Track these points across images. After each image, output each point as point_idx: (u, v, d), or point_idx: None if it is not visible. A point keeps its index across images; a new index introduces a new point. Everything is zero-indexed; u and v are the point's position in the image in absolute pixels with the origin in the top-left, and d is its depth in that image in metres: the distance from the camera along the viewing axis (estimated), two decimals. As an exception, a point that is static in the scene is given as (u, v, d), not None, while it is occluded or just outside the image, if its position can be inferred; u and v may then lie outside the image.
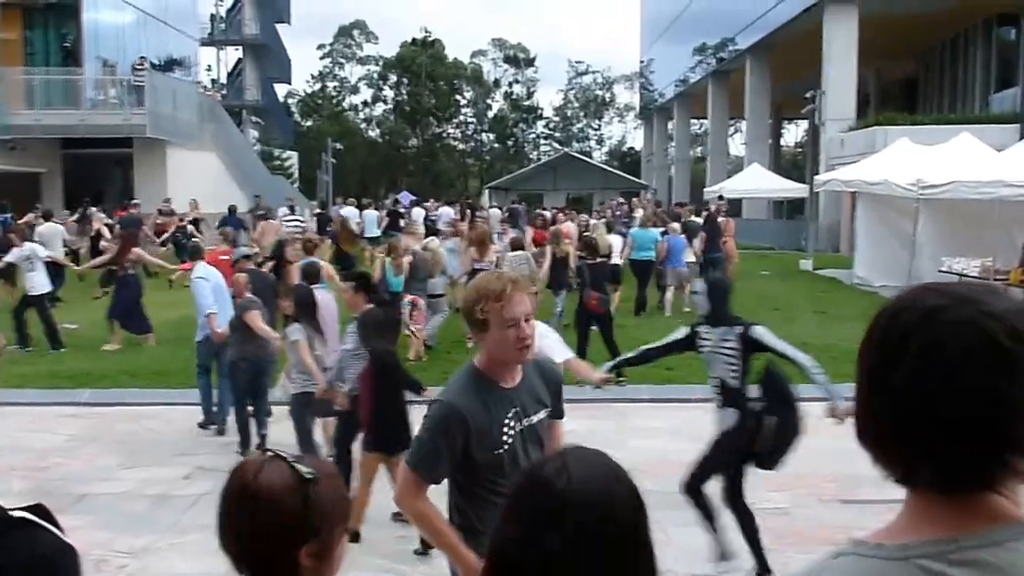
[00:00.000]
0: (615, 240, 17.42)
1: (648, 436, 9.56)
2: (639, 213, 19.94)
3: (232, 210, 25.26)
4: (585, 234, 16.01)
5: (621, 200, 31.64)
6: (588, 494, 1.58)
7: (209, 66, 56.45)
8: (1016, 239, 17.01)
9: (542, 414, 3.49)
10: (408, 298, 13.04)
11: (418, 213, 28.25)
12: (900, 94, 44.10)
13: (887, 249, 19.90)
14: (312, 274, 9.28)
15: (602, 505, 1.59)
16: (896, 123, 29.04)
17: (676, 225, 18.91)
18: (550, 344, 6.20)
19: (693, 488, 6.32)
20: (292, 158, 61.93)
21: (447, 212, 27.88)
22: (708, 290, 6.40)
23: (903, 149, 20.48)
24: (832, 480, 7.90)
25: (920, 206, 17.53)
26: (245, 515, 1.78)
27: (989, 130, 23.71)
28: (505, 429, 3.32)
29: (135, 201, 26.50)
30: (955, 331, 1.28)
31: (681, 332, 6.38)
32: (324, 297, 8.93)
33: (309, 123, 77.32)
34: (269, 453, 1.86)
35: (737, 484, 6.19)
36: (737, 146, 63.81)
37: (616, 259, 16.92)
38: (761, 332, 6.03)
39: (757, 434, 5.94)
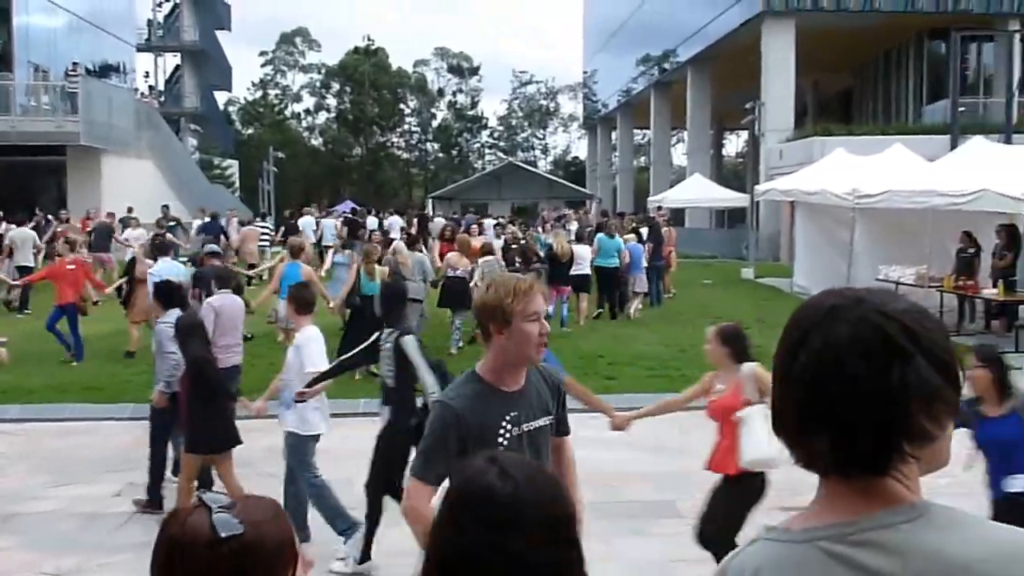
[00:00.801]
0: (584, 250, 17.70)
1: (586, 446, 9.54)
2: (573, 226, 20.07)
3: (215, 216, 24.92)
4: (522, 241, 16.16)
5: (555, 210, 31.89)
6: (538, 494, 1.63)
7: (147, 72, 55.63)
8: (949, 247, 17.36)
9: (543, 421, 3.52)
10: None
11: (373, 222, 28.44)
12: (837, 106, 44.91)
13: (825, 258, 20.19)
14: (224, 279, 9.60)
15: (551, 503, 1.64)
16: (833, 134, 29.57)
17: (632, 235, 19.47)
18: (310, 352, 6.52)
19: (372, 488, 6.51)
20: (232, 167, 61.21)
21: (396, 221, 28.09)
22: (381, 295, 6.83)
23: (839, 159, 20.83)
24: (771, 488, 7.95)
25: (856, 215, 17.80)
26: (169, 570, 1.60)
27: (921, 141, 24.25)
28: (502, 431, 3.34)
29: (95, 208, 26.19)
30: (851, 328, 1.39)
31: (373, 336, 6.66)
32: (225, 301, 8.98)
33: (250, 131, 76.55)
34: (198, 499, 1.65)
35: (381, 478, 6.42)
36: (680, 156, 64.41)
37: (585, 268, 17.34)
38: (405, 342, 6.26)
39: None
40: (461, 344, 14.36)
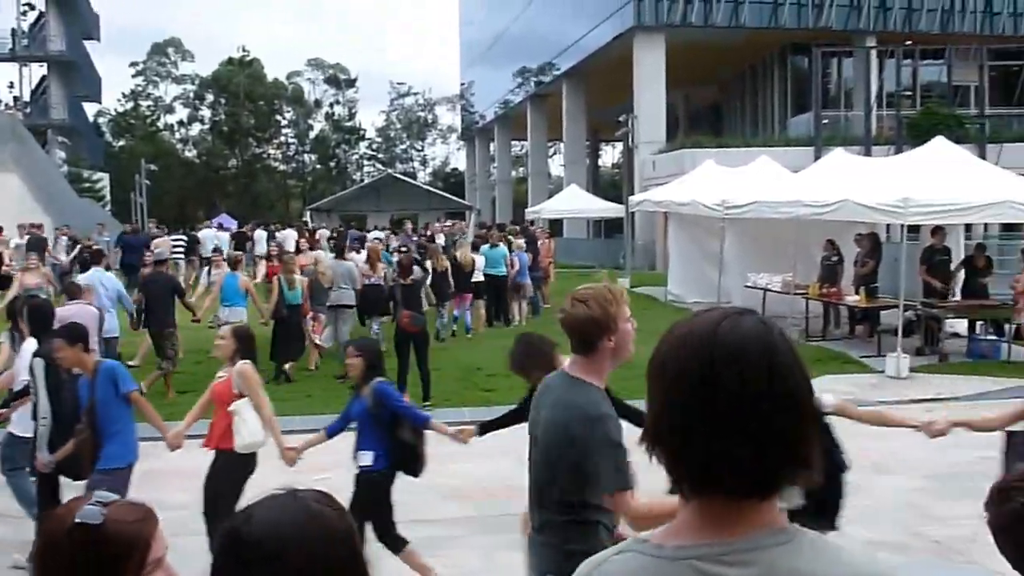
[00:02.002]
0: (479, 258, 18.27)
1: (469, 459, 9.66)
2: (440, 239, 20.49)
3: (136, 230, 25.83)
4: (403, 253, 16.35)
5: (441, 221, 31.98)
6: (267, 536, 1.56)
7: (11, 83, 53.58)
8: (814, 255, 18.08)
9: None
10: (309, 314, 14.09)
11: (261, 235, 28.58)
12: (707, 118, 46.26)
13: (697, 267, 20.83)
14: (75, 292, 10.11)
15: (285, 545, 1.56)
16: (703, 146, 30.50)
17: (521, 242, 20.34)
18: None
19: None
20: (103, 180, 59.26)
21: (291, 234, 27.92)
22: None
23: (709, 171, 21.51)
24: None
25: (726, 225, 18.41)
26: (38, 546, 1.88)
27: (787, 153, 25.24)
28: None
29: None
30: (722, 345, 1.42)
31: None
32: (72, 310, 9.43)
33: (121, 143, 74.30)
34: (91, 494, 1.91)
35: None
36: (557, 167, 65.28)
37: (479, 276, 18.02)
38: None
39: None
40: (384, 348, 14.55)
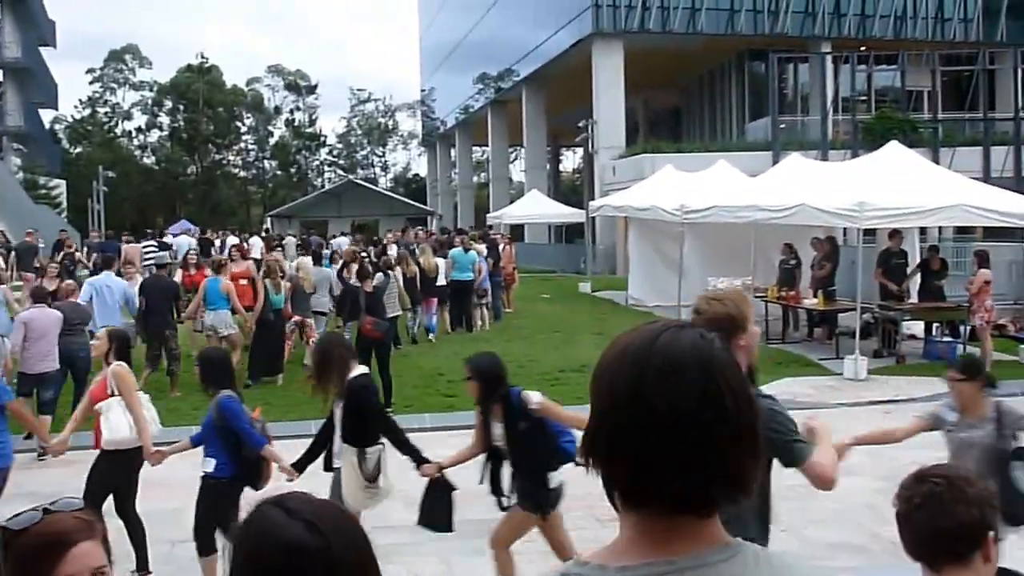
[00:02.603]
0: (441, 262, 18.35)
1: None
2: (392, 250, 20.47)
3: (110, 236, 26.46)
4: (365, 260, 16.33)
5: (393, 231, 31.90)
6: (349, 545, 1.57)
7: (-35, 90, 52.71)
8: (772, 259, 18.27)
9: None
10: (295, 318, 14.43)
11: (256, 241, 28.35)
12: (666, 123, 46.58)
13: (657, 271, 20.96)
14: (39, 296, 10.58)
15: (364, 552, 1.59)
16: (662, 151, 30.68)
17: (482, 248, 20.45)
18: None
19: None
20: (60, 187, 58.56)
21: (256, 242, 27.79)
22: None
23: (668, 176, 21.65)
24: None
25: (685, 230, 18.53)
26: None
27: (745, 157, 25.48)
28: None
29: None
30: (660, 356, 1.39)
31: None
32: (35, 314, 10.16)
33: (79, 150, 73.45)
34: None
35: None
36: (518, 172, 65.41)
37: (441, 280, 18.08)
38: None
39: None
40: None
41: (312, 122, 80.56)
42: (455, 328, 18.82)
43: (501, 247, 22.05)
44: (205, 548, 6.18)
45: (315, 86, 79.78)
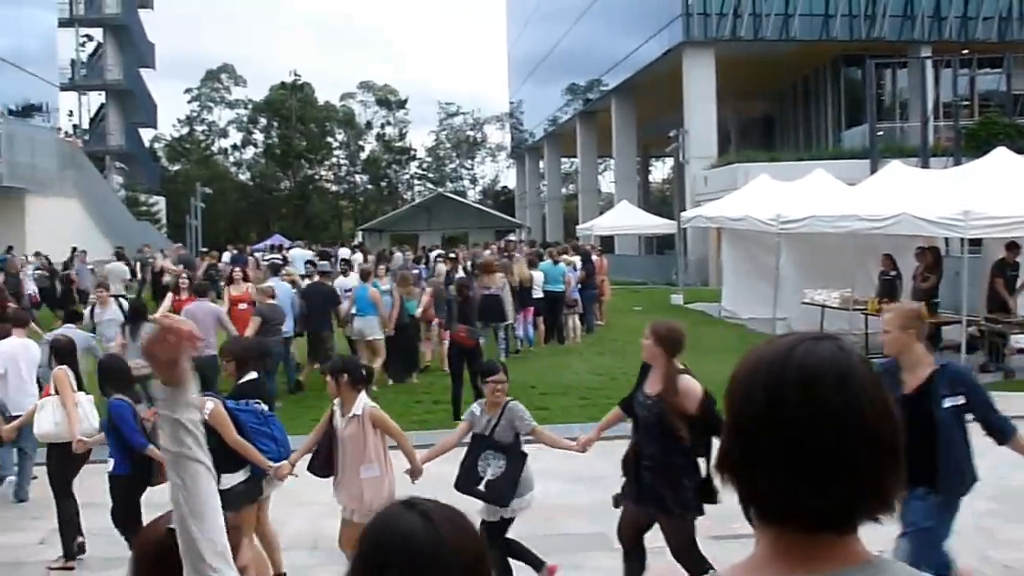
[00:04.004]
0: (537, 274, 18.40)
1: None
2: (441, 267, 20.53)
3: (241, 249, 29.33)
4: (459, 277, 16.51)
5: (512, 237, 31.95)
6: (461, 540, 1.65)
7: (71, 111, 54.69)
8: (871, 270, 17.75)
9: None
10: (436, 320, 15.72)
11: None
12: (758, 132, 45.83)
13: (752, 282, 20.53)
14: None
15: (473, 548, 1.66)
16: (755, 160, 30.17)
17: (575, 259, 20.50)
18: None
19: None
20: (159, 203, 60.47)
21: (345, 253, 28.39)
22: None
23: (763, 185, 21.24)
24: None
25: (781, 240, 18.13)
26: None
27: (842, 165, 24.88)
28: None
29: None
30: (798, 369, 1.36)
31: None
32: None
33: (177, 167, 75.60)
34: None
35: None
36: (607, 183, 65.11)
37: (537, 292, 18.19)
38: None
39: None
40: (508, 354, 15.94)
41: (402, 136, 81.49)
42: (547, 340, 18.76)
43: (593, 258, 21.87)
44: (129, 534, 6.57)
45: (405, 101, 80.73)
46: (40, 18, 42.47)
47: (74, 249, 26.68)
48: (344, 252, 28.95)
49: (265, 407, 6.63)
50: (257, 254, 29.34)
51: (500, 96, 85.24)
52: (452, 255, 20.85)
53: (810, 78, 40.05)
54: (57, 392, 7.67)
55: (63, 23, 48.46)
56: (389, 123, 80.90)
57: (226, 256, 27.58)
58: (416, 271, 20.02)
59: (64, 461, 7.52)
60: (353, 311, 14.47)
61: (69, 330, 11.02)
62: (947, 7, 35.63)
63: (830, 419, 1.33)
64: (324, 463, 6.45)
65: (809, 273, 18.44)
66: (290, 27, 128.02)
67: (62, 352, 8.02)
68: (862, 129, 32.02)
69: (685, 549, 5.79)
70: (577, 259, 20.68)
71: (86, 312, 13.01)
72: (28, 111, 39.02)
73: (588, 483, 8.84)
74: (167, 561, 2.02)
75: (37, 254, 26.03)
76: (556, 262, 19.05)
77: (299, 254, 27.71)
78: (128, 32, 56.36)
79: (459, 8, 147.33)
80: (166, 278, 21.82)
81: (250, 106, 77.48)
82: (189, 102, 78.14)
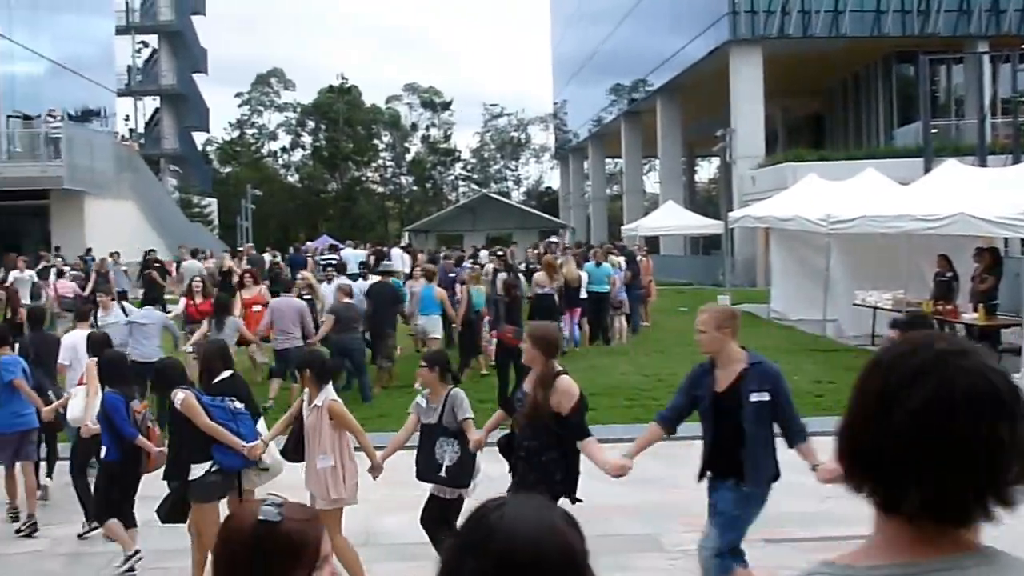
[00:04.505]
0: (583, 275, 18.28)
1: (587, 481, 9.45)
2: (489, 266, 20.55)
3: (297, 249, 30.48)
4: (504, 276, 16.47)
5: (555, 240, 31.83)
6: (515, 534, 1.57)
7: (127, 116, 56.00)
8: (925, 271, 17.39)
9: None
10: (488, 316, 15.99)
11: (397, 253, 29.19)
12: (807, 130, 45.27)
13: (802, 283, 20.22)
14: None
15: (528, 549, 1.57)
16: (804, 159, 29.77)
17: (620, 259, 20.36)
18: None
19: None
20: (211, 205, 61.38)
21: (397, 253, 28.50)
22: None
23: (812, 185, 20.92)
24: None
25: (831, 241, 17.82)
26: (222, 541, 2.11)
27: (893, 164, 24.43)
28: None
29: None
30: (965, 377, 1.40)
31: None
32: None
33: (228, 170, 76.56)
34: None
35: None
36: (652, 184, 64.74)
37: (584, 293, 18.04)
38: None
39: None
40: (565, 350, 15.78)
41: (447, 138, 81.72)
42: (592, 341, 18.61)
43: (639, 259, 21.73)
44: (102, 517, 7.30)
45: (449, 102, 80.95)
46: (98, 26, 43.50)
47: (149, 250, 27.34)
48: (397, 252, 29.06)
49: (240, 405, 6.85)
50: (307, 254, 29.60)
51: (544, 97, 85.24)
52: (500, 253, 20.90)
53: (861, 75, 39.45)
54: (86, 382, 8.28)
55: (120, 30, 49.62)
56: (434, 125, 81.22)
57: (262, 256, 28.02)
58: (453, 275, 20.02)
59: (81, 444, 8.11)
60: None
61: (149, 311, 12.45)
62: (1005, 1, 34.87)
63: (937, 418, 1.38)
64: (294, 448, 6.80)
65: (860, 274, 18.15)
66: (337, 31, 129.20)
67: (96, 344, 8.46)
68: (915, 127, 31.45)
69: None
70: (622, 259, 20.54)
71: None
72: (87, 116, 39.93)
73: (639, 484, 8.68)
74: (261, 552, 1.98)
75: (114, 254, 26.65)
76: (599, 263, 18.87)
77: (352, 254, 28.02)
78: (182, 38, 57.33)
79: (503, 10, 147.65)
80: (234, 277, 22.35)
81: (298, 109, 78.22)
82: (239, 106, 79.13)
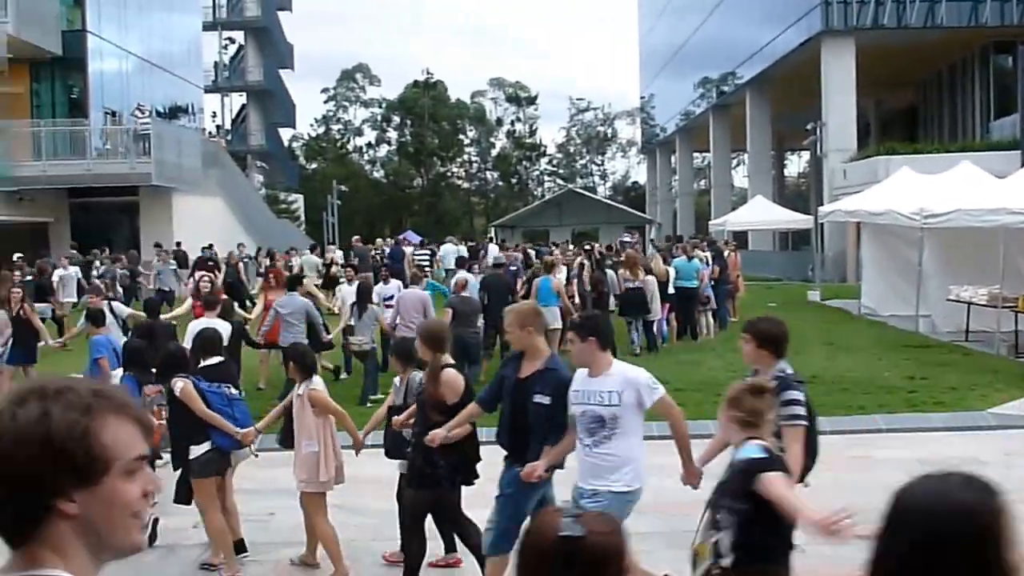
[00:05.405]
0: (672, 270, 18.34)
1: (651, 474, 9.47)
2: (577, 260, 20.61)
3: (398, 242, 32.28)
4: (595, 273, 16.65)
5: (627, 237, 31.69)
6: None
7: (214, 112, 56.93)
8: (1021, 266, 16.96)
9: None
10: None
11: (493, 248, 29.90)
12: (900, 123, 44.25)
13: (893, 279, 19.89)
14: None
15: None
16: (897, 152, 29.15)
17: (707, 254, 20.34)
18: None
19: None
20: (297, 201, 62.20)
21: (493, 249, 28.85)
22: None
23: (905, 178, 20.50)
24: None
25: (924, 235, 17.50)
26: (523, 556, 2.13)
27: (990, 157, 23.80)
28: None
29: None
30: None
31: None
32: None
33: (314, 166, 77.77)
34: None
35: None
36: (741, 178, 63.94)
37: (671, 288, 18.04)
38: None
39: None
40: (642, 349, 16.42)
41: (532, 133, 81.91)
42: (680, 337, 18.53)
43: (726, 254, 21.55)
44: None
45: (535, 97, 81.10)
46: (186, 23, 44.23)
47: (239, 245, 28.40)
48: (493, 248, 29.39)
49: (235, 391, 7.43)
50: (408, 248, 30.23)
51: (631, 91, 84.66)
52: (588, 247, 20.93)
53: (956, 67, 38.41)
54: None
55: (207, 27, 50.35)
56: (519, 120, 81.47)
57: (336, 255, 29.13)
58: (514, 267, 20.18)
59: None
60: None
61: (292, 298, 13.10)
62: (1109, -12, 33.63)
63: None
64: (285, 437, 7.35)
65: (954, 269, 17.79)
66: (423, 25, 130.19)
67: (143, 334, 9.51)
68: (1012, 119, 30.55)
69: (415, 519, 6.60)
70: (708, 254, 20.40)
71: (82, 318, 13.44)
72: (175, 113, 40.74)
73: (715, 480, 8.69)
74: (566, 569, 1.97)
75: (240, 245, 28.36)
76: (690, 258, 18.80)
77: (450, 249, 28.52)
78: (268, 34, 58.23)
79: (590, 2, 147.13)
80: (333, 269, 23.35)
81: (384, 105, 79.08)
82: (325, 102, 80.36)
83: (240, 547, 7.46)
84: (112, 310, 12.96)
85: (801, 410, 5.28)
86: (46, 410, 1.48)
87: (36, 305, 14.14)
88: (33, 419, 1.48)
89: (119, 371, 8.80)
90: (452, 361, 6.57)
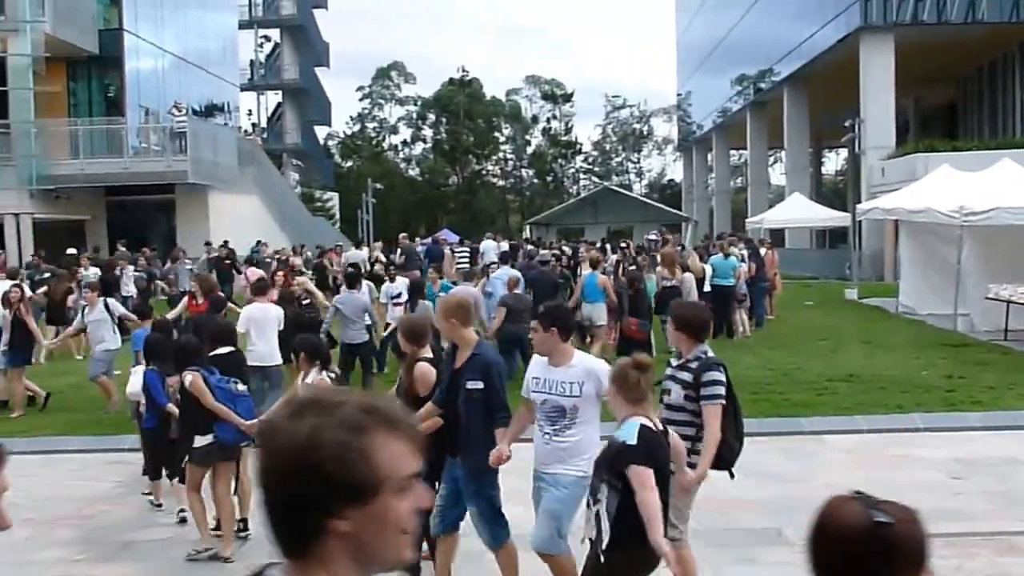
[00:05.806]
0: (708, 268, 18.26)
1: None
2: (614, 257, 20.50)
3: (436, 240, 33.30)
4: (631, 268, 16.62)
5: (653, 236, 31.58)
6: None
7: (250, 111, 57.24)
8: (1062, 264, 16.75)
9: None
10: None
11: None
12: (940, 120, 43.74)
13: (932, 277, 19.67)
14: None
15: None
16: (936, 150, 28.78)
17: (743, 252, 20.17)
18: None
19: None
20: (333, 199, 62.49)
21: (491, 247, 28.86)
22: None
23: (944, 176, 20.24)
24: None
25: (963, 233, 17.29)
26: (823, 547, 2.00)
27: (1032, 154, 23.39)
28: None
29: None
30: None
31: None
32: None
33: (349, 164, 78.11)
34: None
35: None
36: (778, 176, 63.49)
37: (706, 287, 17.84)
38: None
39: None
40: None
41: (568, 130, 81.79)
42: (716, 335, 18.35)
43: (763, 252, 21.38)
44: (152, 476, 8.82)
45: (571, 94, 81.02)
46: (222, 21, 44.58)
47: (223, 243, 28.01)
48: (491, 245, 29.45)
49: (242, 386, 7.70)
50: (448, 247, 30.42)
51: (667, 88, 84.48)
52: (624, 245, 20.85)
53: (997, 63, 37.90)
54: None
55: (242, 25, 50.72)
56: (555, 117, 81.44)
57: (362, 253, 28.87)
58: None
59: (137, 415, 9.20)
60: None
61: (350, 296, 13.27)
62: None
63: None
64: None
65: (994, 268, 17.60)
66: (458, 23, 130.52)
67: (161, 330, 9.69)
68: (1055, 116, 30.12)
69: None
70: (744, 251, 20.24)
71: (78, 315, 13.63)
72: (211, 111, 41.08)
73: (764, 478, 8.66)
74: (880, 555, 1.91)
75: (262, 243, 28.74)
76: (727, 255, 18.64)
77: (491, 245, 28.55)
78: (304, 32, 58.54)
79: (626, 0, 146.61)
80: (377, 267, 23.26)
81: (419, 103, 79.30)
82: (361, 99, 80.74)
83: (243, 526, 7.90)
84: (107, 307, 13.05)
85: (721, 389, 5.62)
86: (318, 430, 1.50)
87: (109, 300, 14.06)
88: (303, 439, 1.50)
89: (140, 367, 9.14)
90: (430, 355, 6.67)
